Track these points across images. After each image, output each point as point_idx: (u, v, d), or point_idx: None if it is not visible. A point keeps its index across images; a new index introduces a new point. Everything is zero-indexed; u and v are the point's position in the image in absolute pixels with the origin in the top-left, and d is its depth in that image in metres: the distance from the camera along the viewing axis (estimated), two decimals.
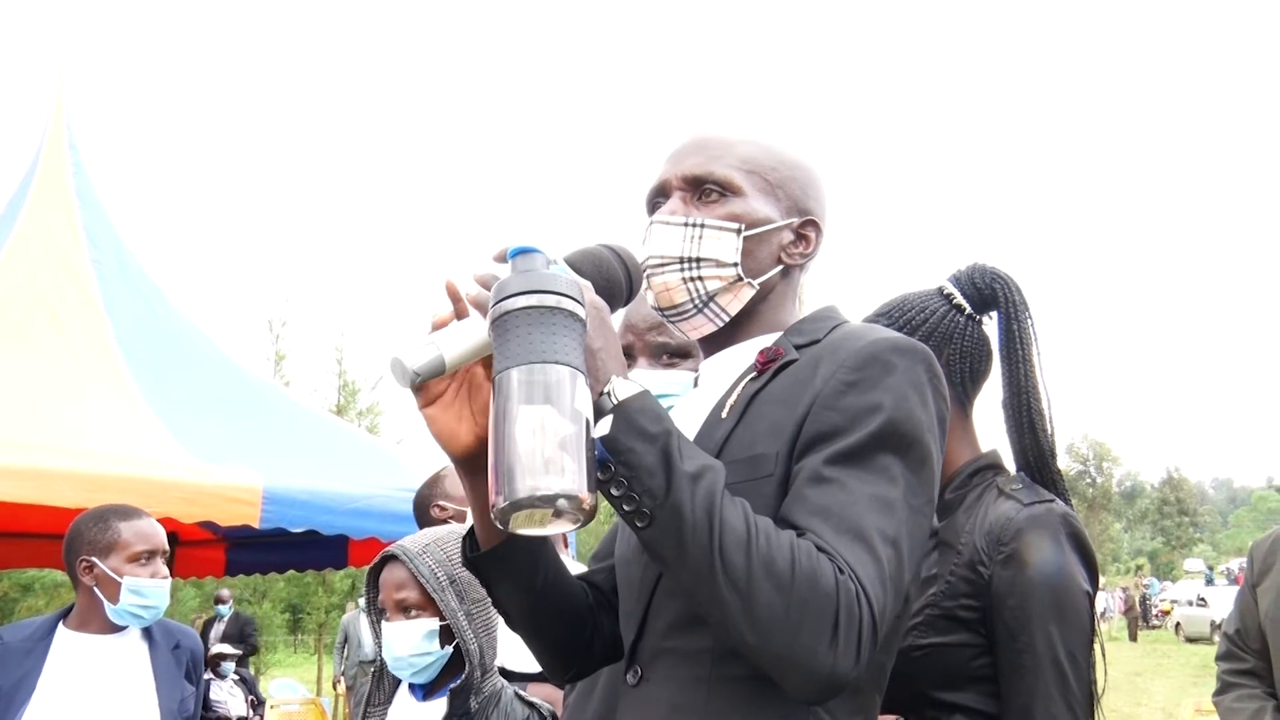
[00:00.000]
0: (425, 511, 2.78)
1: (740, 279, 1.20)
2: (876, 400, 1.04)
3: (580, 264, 1.11)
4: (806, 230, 1.25)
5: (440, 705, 1.90)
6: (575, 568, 1.63)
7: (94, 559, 2.53)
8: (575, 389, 0.91)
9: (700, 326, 1.23)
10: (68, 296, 5.26)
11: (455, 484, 2.71)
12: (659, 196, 1.25)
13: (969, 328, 1.65)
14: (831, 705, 1.04)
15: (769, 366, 1.16)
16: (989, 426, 1.66)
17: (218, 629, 9.94)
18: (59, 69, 6.23)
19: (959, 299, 1.66)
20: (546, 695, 2.01)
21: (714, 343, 1.25)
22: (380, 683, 2.06)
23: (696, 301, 1.20)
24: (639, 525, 0.96)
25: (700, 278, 1.19)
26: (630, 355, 1.76)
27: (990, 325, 1.68)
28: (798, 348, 1.16)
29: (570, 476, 0.88)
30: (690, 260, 1.19)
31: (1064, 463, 1.65)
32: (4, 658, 2.47)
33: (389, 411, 16.53)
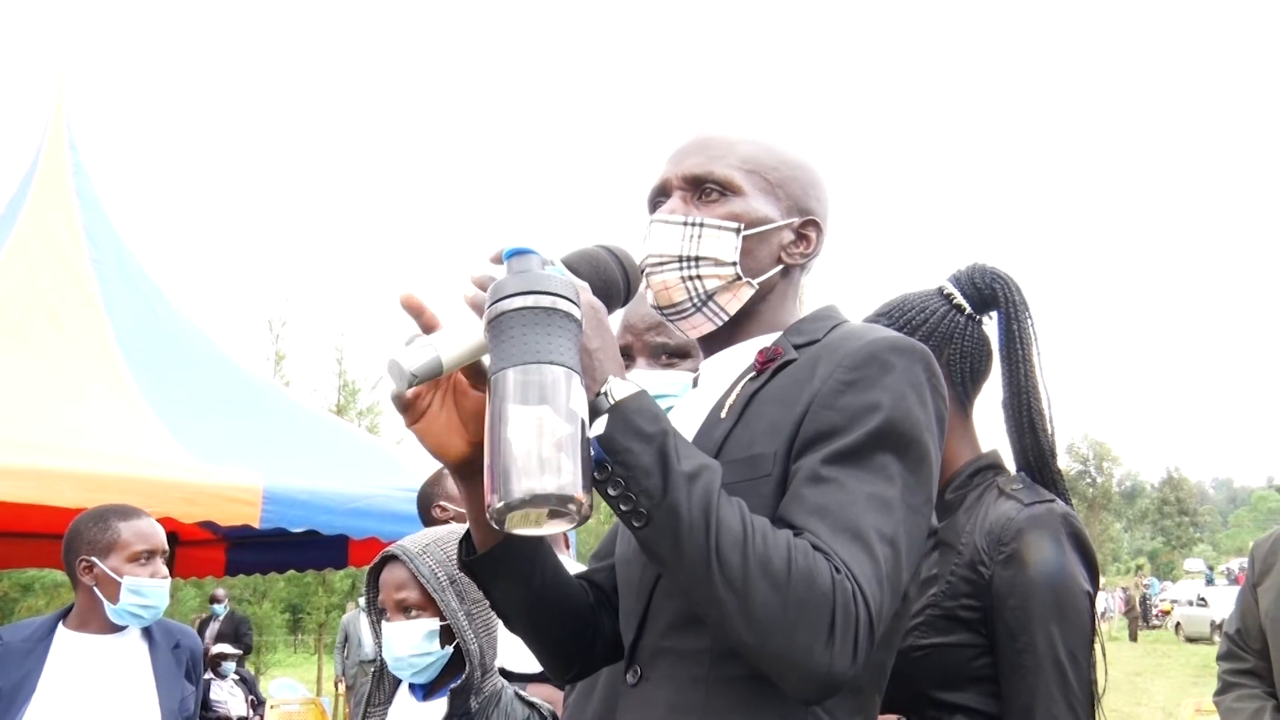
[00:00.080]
0: (427, 510, 2.79)
1: (739, 278, 1.20)
2: (874, 400, 1.04)
3: (577, 265, 1.11)
4: (807, 230, 1.25)
5: (440, 705, 1.89)
6: (575, 568, 1.63)
7: (94, 559, 2.53)
8: (571, 389, 0.92)
9: (699, 325, 1.23)
10: (68, 296, 5.26)
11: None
12: (660, 196, 1.25)
13: (969, 328, 1.65)
14: (831, 705, 1.04)
15: (768, 366, 1.16)
16: (989, 426, 1.66)
17: (213, 628, 9.93)
18: (59, 69, 6.23)
19: (959, 299, 1.66)
20: (546, 695, 2.01)
21: (713, 342, 1.25)
22: (380, 683, 2.06)
23: (695, 300, 1.20)
24: (636, 525, 0.96)
25: (699, 276, 1.19)
26: (629, 356, 1.76)
27: (990, 325, 1.68)
28: (797, 347, 1.16)
29: (566, 476, 0.88)
30: (689, 259, 1.19)
31: (1064, 463, 1.65)
32: (4, 658, 2.47)
33: (389, 411, 16.52)
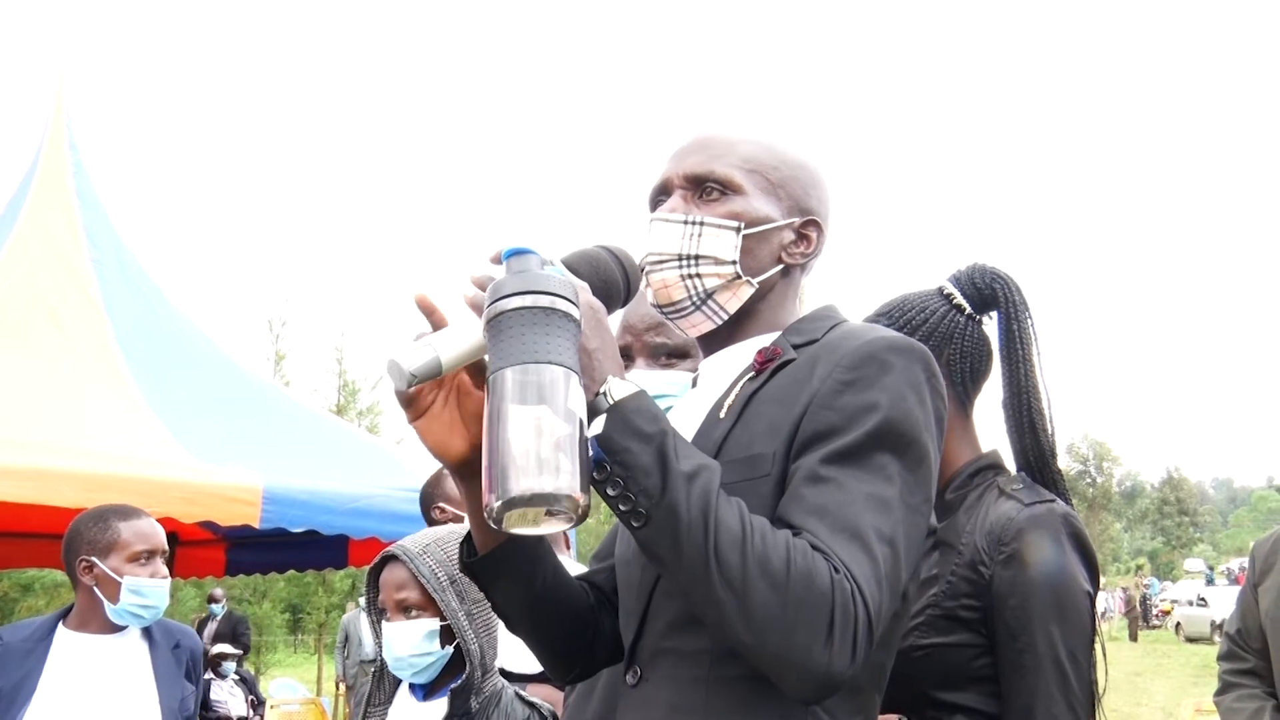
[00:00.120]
0: (427, 510, 2.79)
1: (738, 277, 1.20)
2: (873, 399, 1.04)
3: (577, 265, 1.12)
4: (808, 230, 1.25)
5: (440, 705, 1.89)
6: (575, 568, 1.63)
7: (94, 559, 2.53)
8: (569, 389, 0.92)
9: (698, 324, 1.23)
10: (68, 296, 5.26)
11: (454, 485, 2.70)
12: (661, 194, 1.26)
13: (969, 328, 1.65)
14: (831, 705, 1.04)
15: (767, 366, 1.16)
16: (989, 426, 1.66)
17: (210, 628, 9.90)
18: (59, 69, 6.23)
19: (959, 299, 1.66)
20: (546, 696, 2.01)
21: (713, 341, 1.25)
22: (380, 683, 2.06)
23: (694, 299, 1.20)
24: (635, 525, 0.96)
25: (698, 275, 1.19)
26: (628, 356, 1.76)
27: (990, 325, 1.68)
28: (796, 347, 1.16)
29: (563, 476, 0.88)
30: (688, 257, 1.19)
31: (1064, 463, 1.65)
32: (4, 658, 2.47)
33: (389, 411, 16.53)
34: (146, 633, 2.65)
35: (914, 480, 1.04)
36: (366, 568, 2.09)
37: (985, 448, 1.64)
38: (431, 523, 2.74)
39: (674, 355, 1.75)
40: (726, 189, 1.21)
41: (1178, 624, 25.31)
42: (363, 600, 2.09)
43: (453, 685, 1.88)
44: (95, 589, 2.54)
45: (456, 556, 1.90)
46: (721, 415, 1.15)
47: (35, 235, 5.50)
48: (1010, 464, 1.64)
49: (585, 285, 1.05)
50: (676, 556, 0.95)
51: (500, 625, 1.93)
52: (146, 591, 2.55)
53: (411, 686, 1.99)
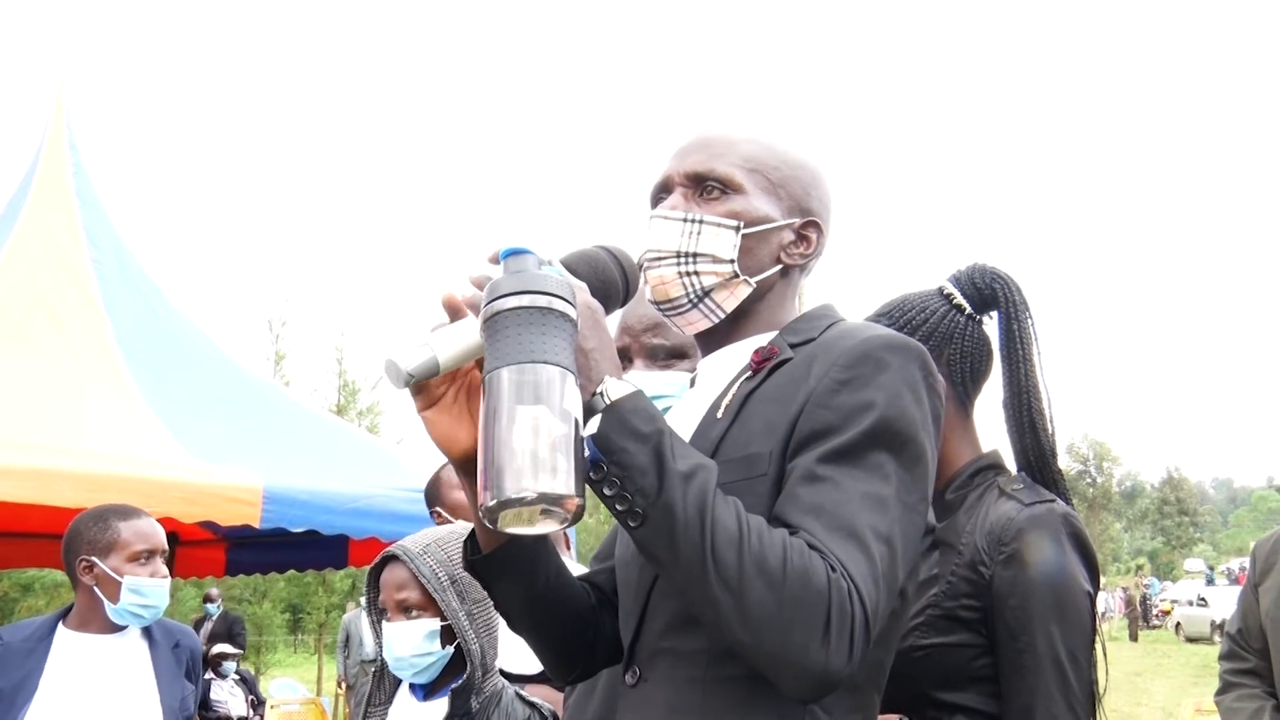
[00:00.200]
0: (430, 509, 2.79)
1: (736, 276, 1.20)
2: (869, 398, 1.04)
3: (576, 265, 1.12)
4: (808, 231, 1.25)
5: (441, 705, 1.89)
6: (576, 569, 1.63)
7: (94, 558, 2.53)
8: (565, 389, 0.92)
9: (696, 322, 1.23)
10: (68, 296, 5.26)
11: (450, 488, 2.72)
12: (662, 192, 1.26)
13: (969, 328, 1.65)
14: (829, 703, 1.04)
15: (764, 365, 1.16)
16: (990, 427, 1.66)
17: (206, 628, 9.87)
18: (59, 69, 6.23)
19: (959, 299, 1.66)
20: (545, 696, 2.01)
21: (711, 341, 1.25)
22: (381, 682, 2.05)
23: (692, 296, 1.20)
24: (632, 525, 0.96)
25: (696, 273, 1.19)
26: (626, 357, 1.76)
27: (991, 325, 1.68)
28: (793, 346, 1.16)
29: (559, 476, 0.89)
30: (687, 255, 1.19)
31: (1064, 463, 1.65)
32: (5, 658, 2.47)
33: (389, 411, 16.54)
34: (146, 632, 2.65)
35: (910, 479, 1.04)
36: (366, 568, 2.09)
37: (986, 448, 1.64)
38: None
39: (672, 356, 1.75)
40: (727, 188, 1.21)
41: (1178, 624, 25.30)
42: (363, 600, 2.09)
43: (453, 685, 1.88)
44: (95, 589, 2.54)
45: (457, 556, 1.91)
46: (719, 415, 1.15)
47: (35, 235, 5.50)
48: (1011, 464, 1.63)
49: (583, 285, 1.05)
50: (673, 556, 0.95)
51: (500, 625, 1.94)
52: (146, 591, 2.55)
53: (412, 686, 1.99)
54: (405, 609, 1.90)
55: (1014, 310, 1.64)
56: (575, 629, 1.24)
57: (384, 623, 1.94)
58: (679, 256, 1.19)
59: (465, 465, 1.09)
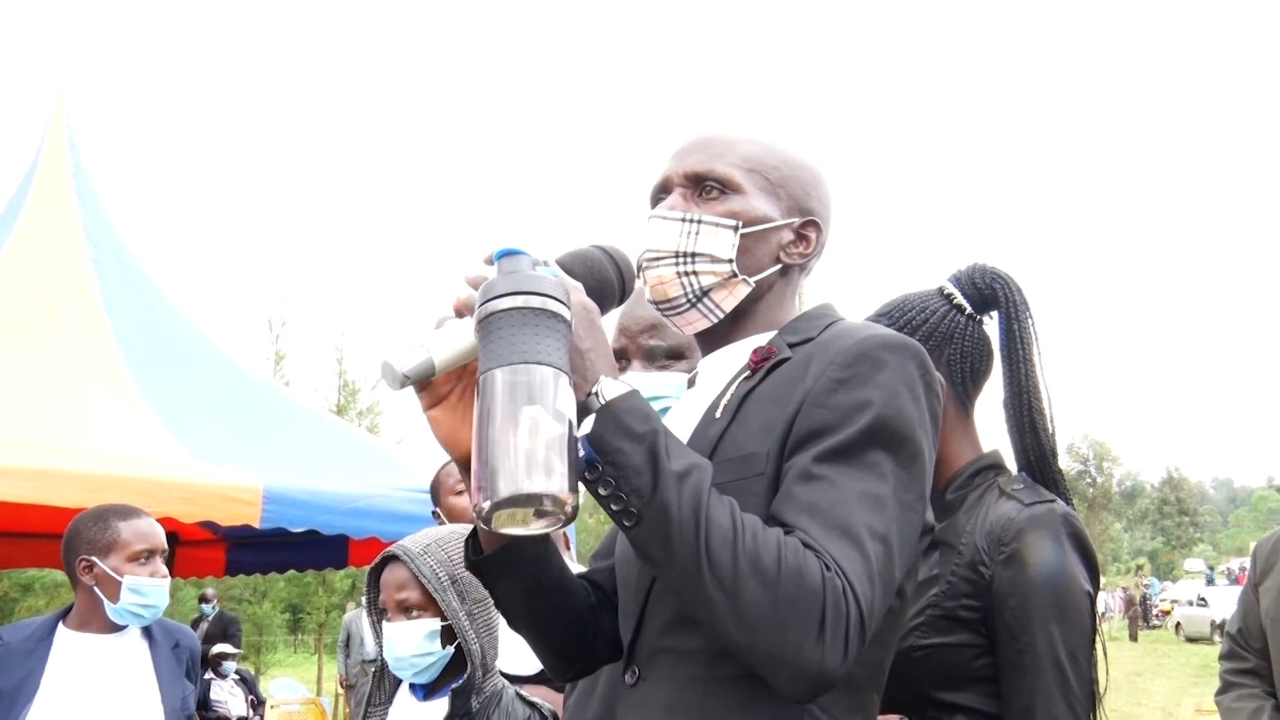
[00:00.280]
0: (433, 508, 2.80)
1: (735, 275, 1.20)
2: (866, 397, 1.04)
3: (572, 265, 1.12)
4: (807, 230, 1.25)
5: (441, 705, 1.89)
6: (575, 569, 1.63)
7: (93, 558, 2.53)
8: (558, 390, 0.92)
9: (694, 321, 1.23)
10: (68, 296, 5.26)
11: (448, 492, 2.72)
12: (662, 192, 1.26)
13: (969, 328, 1.65)
14: (828, 703, 1.04)
15: (762, 365, 1.16)
16: (990, 427, 1.66)
17: (202, 628, 9.85)
18: (59, 69, 6.24)
19: (959, 299, 1.66)
20: (543, 697, 2.01)
21: (711, 340, 1.25)
22: (381, 682, 2.06)
23: (690, 296, 1.20)
24: (627, 524, 0.96)
25: (694, 272, 1.19)
26: (624, 358, 1.76)
27: (991, 325, 1.68)
28: (791, 346, 1.16)
29: (553, 477, 0.89)
30: (685, 255, 1.19)
31: (1064, 463, 1.64)
32: (5, 658, 2.47)
33: (389, 411, 16.56)
34: (146, 632, 2.65)
35: (908, 477, 1.04)
36: (366, 568, 2.09)
37: (986, 448, 1.64)
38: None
39: (669, 357, 1.75)
40: (726, 188, 1.21)
41: (1178, 624, 25.32)
42: (364, 600, 2.09)
43: (454, 685, 1.88)
44: (95, 588, 2.54)
45: (457, 556, 1.91)
46: (717, 415, 1.15)
47: (35, 235, 5.50)
48: (1011, 464, 1.63)
49: (579, 285, 1.06)
50: (668, 556, 0.95)
51: (499, 625, 1.94)
52: (146, 591, 2.55)
53: (412, 686, 1.99)
54: (406, 609, 1.90)
55: (1014, 310, 1.64)
56: (575, 628, 1.24)
57: (384, 623, 1.94)
58: (677, 256, 1.20)
59: (468, 465, 1.09)
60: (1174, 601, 27.61)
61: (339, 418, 10.47)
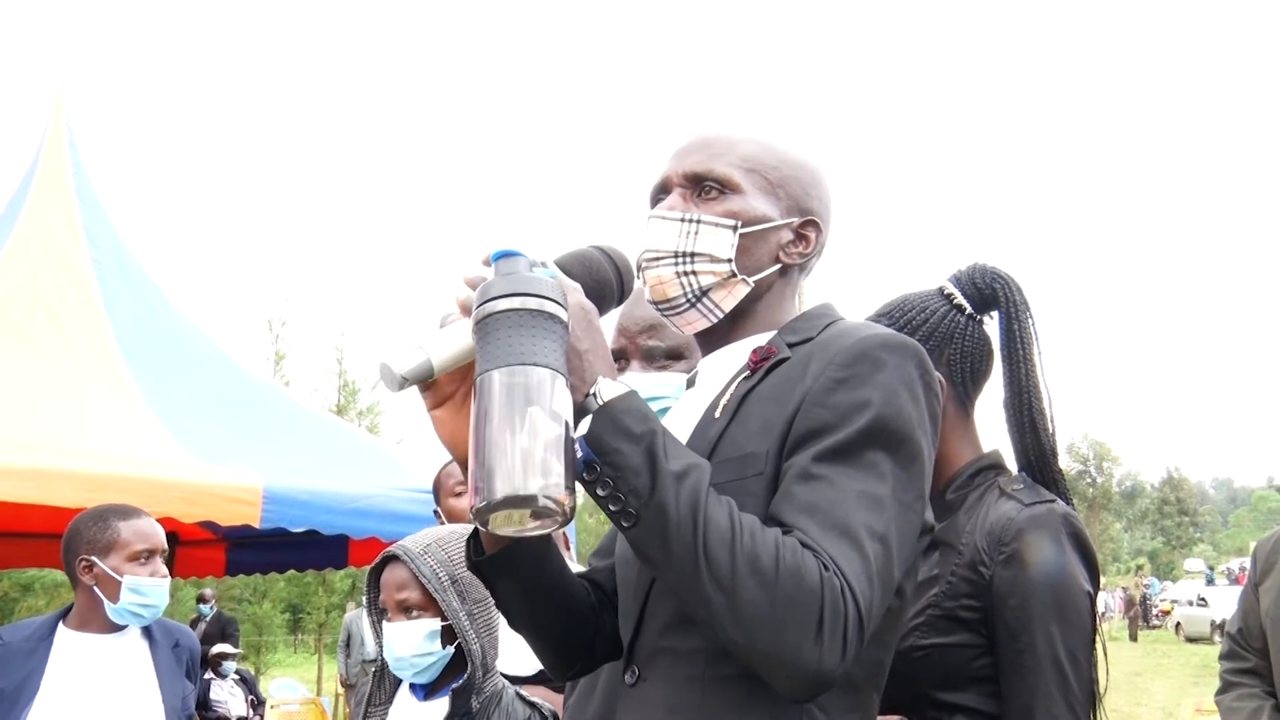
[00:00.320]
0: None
1: (734, 275, 1.20)
2: (865, 397, 1.04)
3: (570, 266, 1.12)
4: (806, 230, 1.25)
5: (441, 705, 1.89)
6: (575, 568, 1.63)
7: (94, 558, 2.53)
8: (555, 391, 0.92)
9: (694, 321, 1.23)
10: (68, 296, 5.26)
11: (447, 493, 2.73)
12: (661, 193, 1.26)
13: (970, 328, 1.64)
14: (827, 703, 1.04)
15: (761, 365, 1.16)
16: (990, 427, 1.66)
17: (200, 629, 9.83)
18: (59, 69, 6.24)
19: (959, 299, 1.66)
20: (541, 697, 2.01)
21: (711, 340, 1.25)
22: (381, 682, 2.05)
23: (689, 296, 1.20)
24: (625, 525, 0.97)
25: (694, 272, 1.19)
26: (623, 358, 1.75)
27: (991, 325, 1.68)
28: (790, 345, 1.16)
29: (549, 478, 0.89)
30: (684, 255, 1.19)
31: (1064, 463, 1.65)
32: (6, 658, 2.47)
33: (389, 411, 16.56)
34: (146, 632, 2.65)
35: (907, 477, 1.04)
36: (366, 568, 2.10)
37: (986, 448, 1.64)
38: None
39: (668, 357, 1.75)
40: (725, 188, 1.21)
41: (1178, 624, 25.31)
42: (364, 600, 2.09)
43: (454, 685, 1.88)
44: (95, 588, 2.54)
45: (457, 556, 1.91)
46: (716, 414, 1.15)
47: (35, 235, 5.50)
48: (1011, 464, 1.63)
49: (577, 286, 1.06)
50: (666, 556, 0.96)
51: (499, 626, 1.94)
52: (146, 591, 2.55)
53: (412, 686, 1.99)
54: (406, 609, 1.90)
55: (1014, 310, 1.63)
56: (575, 628, 1.24)
57: (384, 623, 1.94)
58: (676, 256, 1.20)
59: None
60: (1174, 601, 27.61)
61: (339, 418, 10.47)
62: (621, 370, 1.74)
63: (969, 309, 1.66)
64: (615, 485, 0.95)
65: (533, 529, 0.94)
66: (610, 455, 0.95)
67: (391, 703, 2.02)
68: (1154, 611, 28.97)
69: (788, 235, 1.23)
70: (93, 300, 5.33)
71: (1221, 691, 2.37)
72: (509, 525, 0.93)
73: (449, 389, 1.05)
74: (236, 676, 8.71)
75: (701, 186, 1.22)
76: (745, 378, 1.17)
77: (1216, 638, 20.42)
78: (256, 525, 4.28)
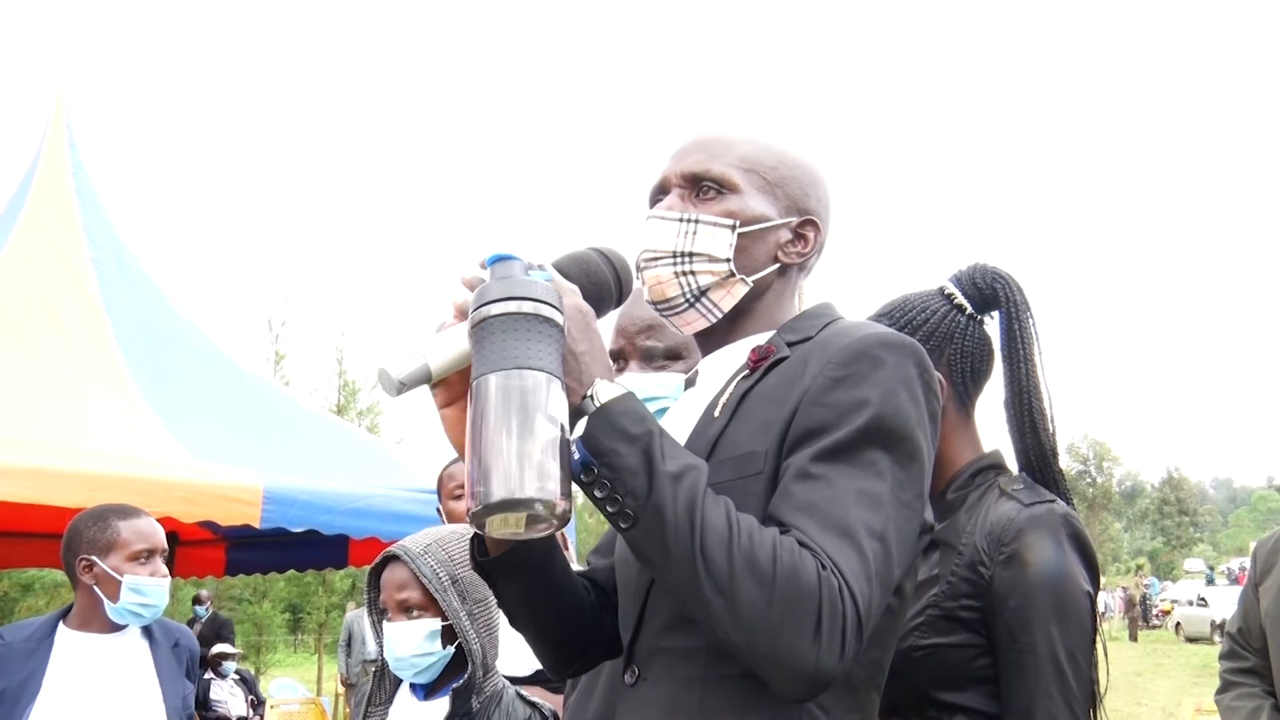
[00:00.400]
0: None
1: (733, 275, 1.20)
2: (864, 396, 1.04)
3: (568, 268, 1.13)
4: (805, 230, 1.25)
5: (441, 705, 1.89)
6: (574, 568, 1.63)
7: (94, 558, 2.53)
8: (550, 394, 0.93)
9: (693, 321, 1.23)
10: (68, 296, 5.26)
11: (448, 496, 2.73)
12: (660, 193, 1.26)
13: (970, 328, 1.64)
14: (827, 702, 1.04)
15: (761, 364, 1.16)
16: (990, 427, 1.66)
17: (195, 630, 9.83)
18: (59, 69, 6.23)
19: (960, 299, 1.66)
20: (540, 697, 2.01)
21: (710, 340, 1.25)
22: (381, 682, 2.05)
23: (688, 296, 1.20)
24: (623, 526, 0.97)
25: (692, 272, 1.19)
26: (621, 358, 1.75)
27: (992, 325, 1.67)
28: (790, 345, 1.16)
29: (545, 481, 0.90)
30: (683, 255, 1.19)
31: (1064, 463, 1.64)
32: (7, 658, 2.47)
33: (389, 411, 16.56)
34: (146, 631, 2.65)
35: (905, 476, 1.04)
36: (366, 568, 2.10)
37: (987, 448, 1.64)
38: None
39: (667, 358, 1.74)
40: (723, 188, 1.21)
41: (1178, 624, 25.30)
42: (364, 600, 2.09)
43: (455, 685, 1.88)
44: (95, 588, 2.54)
45: (458, 556, 1.91)
46: (716, 414, 1.15)
47: (35, 235, 5.49)
48: (1012, 464, 1.63)
49: (574, 288, 1.06)
50: (664, 557, 0.96)
51: (500, 626, 1.94)
52: (147, 590, 2.55)
53: (412, 686, 1.99)
54: (406, 609, 1.90)
55: (1015, 310, 1.63)
56: (576, 628, 1.25)
57: (385, 623, 1.94)
58: (675, 256, 1.20)
59: None
60: (1174, 601, 27.59)
61: (339, 418, 10.47)
62: (620, 371, 1.74)
63: (969, 309, 1.65)
64: (612, 487, 0.95)
65: (530, 532, 0.95)
66: (607, 456, 0.95)
67: (392, 703, 2.02)
68: (1154, 611, 28.96)
69: (786, 235, 1.23)
70: (93, 300, 5.33)
71: (1221, 691, 2.37)
72: (506, 528, 0.94)
73: (460, 387, 1.05)
74: (236, 676, 8.71)
75: (700, 186, 1.22)
76: (744, 377, 1.17)
77: (1216, 638, 20.41)
78: (256, 525, 4.28)
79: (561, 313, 0.99)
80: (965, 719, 1.46)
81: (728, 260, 1.19)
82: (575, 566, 1.71)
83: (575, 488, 0.97)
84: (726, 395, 1.16)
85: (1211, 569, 41.36)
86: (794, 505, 1.00)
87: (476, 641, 1.88)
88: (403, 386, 1.00)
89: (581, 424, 0.97)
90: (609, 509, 0.96)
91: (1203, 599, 24.22)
